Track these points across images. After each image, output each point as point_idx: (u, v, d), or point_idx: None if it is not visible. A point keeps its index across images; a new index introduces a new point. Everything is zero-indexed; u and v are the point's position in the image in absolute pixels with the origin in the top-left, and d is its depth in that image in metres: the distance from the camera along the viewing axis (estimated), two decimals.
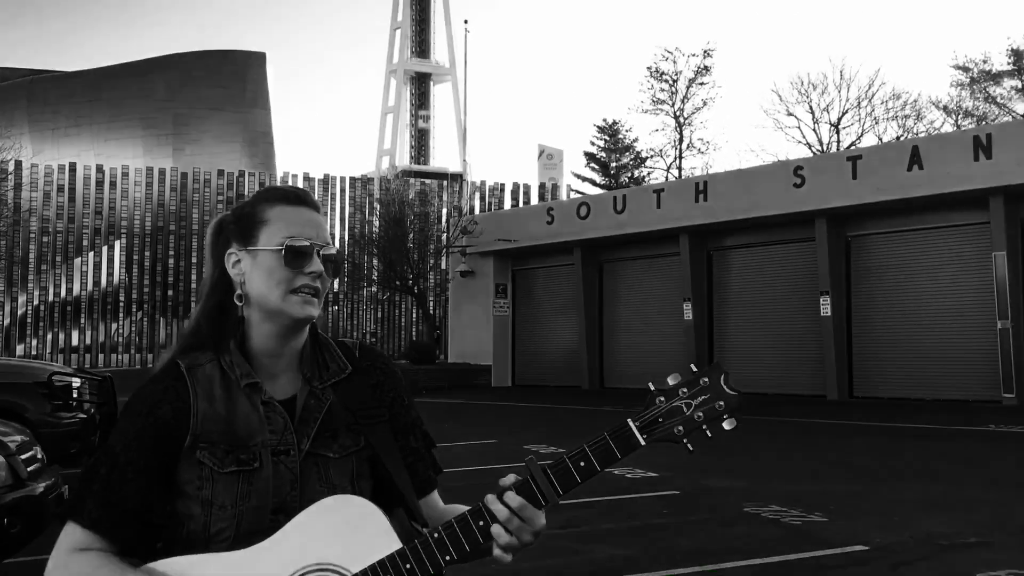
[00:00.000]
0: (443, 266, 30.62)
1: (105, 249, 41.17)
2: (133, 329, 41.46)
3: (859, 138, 40.83)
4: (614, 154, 48.51)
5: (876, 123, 41.63)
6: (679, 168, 44.46)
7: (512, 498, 1.53)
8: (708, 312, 21.42)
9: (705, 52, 43.59)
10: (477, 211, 37.79)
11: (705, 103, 44.01)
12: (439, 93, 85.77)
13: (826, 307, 18.81)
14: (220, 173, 42.50)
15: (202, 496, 1.61)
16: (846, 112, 41.15)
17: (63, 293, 40.58)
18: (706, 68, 43.44)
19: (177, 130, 60.67)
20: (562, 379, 23.99)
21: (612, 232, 22.32)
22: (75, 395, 9.69)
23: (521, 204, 44.41)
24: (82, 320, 40.45)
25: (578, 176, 49.37)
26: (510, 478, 1.57)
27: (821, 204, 18.49)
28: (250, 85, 63.81)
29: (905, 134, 40.41)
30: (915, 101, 41.65)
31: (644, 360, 22.57)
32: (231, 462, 1.61)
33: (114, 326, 41.44)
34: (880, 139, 40.49)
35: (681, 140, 44.15)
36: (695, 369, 1.55)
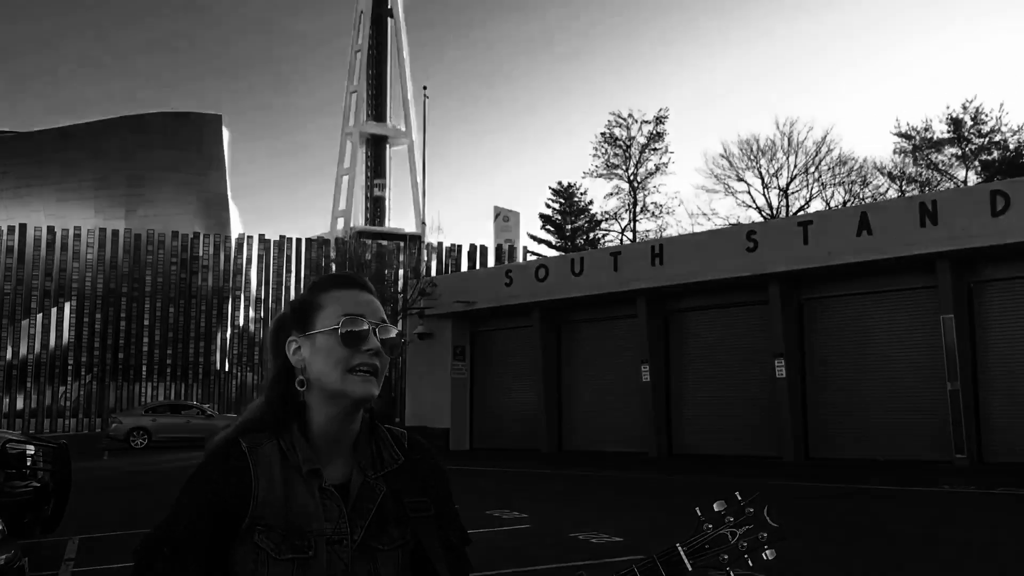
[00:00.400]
0: (400, 328, 30.54)
1: (55, 311, 40.51)
2: (82, 393, 40.60)
3: (807, 203, 41.86)
4: (569, 217, 49.08)
5: (824, 188, 42.75)
6: (633, 231, 45.11)
7: None
8: (665, 374, 21.60)
9: (657, 119, 44.61)
10: (434, 272, 37.91)
11: (658, 168, 44.89)
12: (395, 156, 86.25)
13: (781, 369, 19.07)
14: (175, 235, 42.20)
15: None
16: (794, 177, 42.23)
17: (8, 356, 39.71)
18: (659, 134, 44.41)
19: (130, 191, 60.25)
20: (521, 442, 23.92)
21: (570, 294, 22.52)
22: (29, 463, 9.49)
23: (478, 266, 44.60)
24: (28, 384, 39.55)
25: (534, 238, 49.86)
26: None
27: (774, 268, 18.87)
28: (206, 147, 63.76)
29: (852, 199, 41.50)
30: (860, 167, 42.78)
31: (602, 423, 22.63)
32: (287, 549, 1.62)
33: (62, 389, 40.57)
34: (828, 204, 41.55)
35: (635, 204, 44.88)
36: (740, 498, 1.65)
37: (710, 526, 1.64)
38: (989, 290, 17.28)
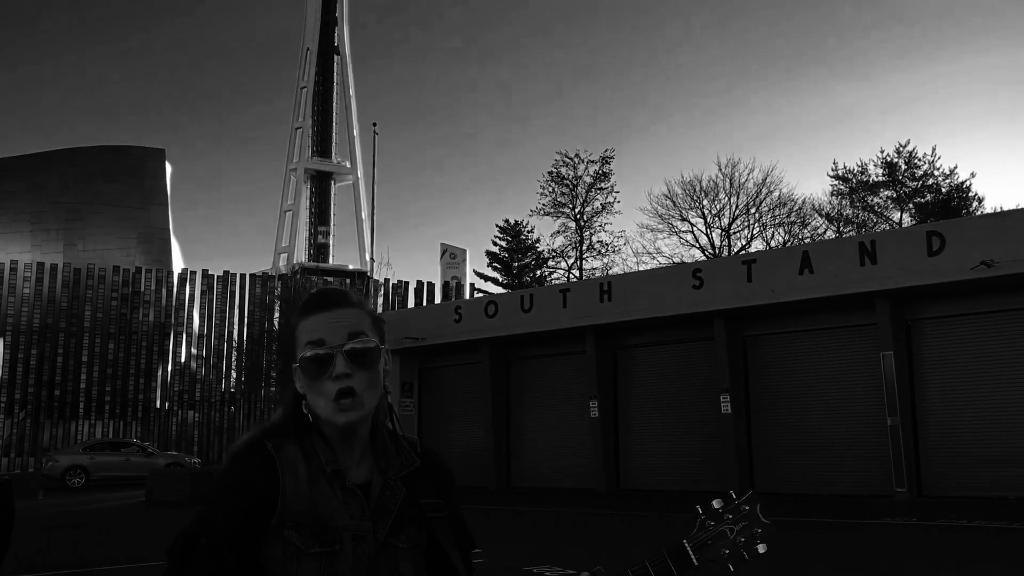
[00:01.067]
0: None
1: None
2: (15, 431, 39.45)
3: (749, 243, 42.71)
4: (516, 254, 49.36)
5: (764, 228, 43.67)
6: (580, 268, 45.52)
7: None
8: (614, 409, 21.78)
9: (604, 159, 45.26)
10: (381, 309, 37.77)
11: (604, 207, 45.46)
12: (341, 192, 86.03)
13: (726, 404, 19.37)
14: (116, 269, 41.48)
15: (285, 574, 1.67)
16: (736, 218, 43.09)
17: None
18: (604, 174, 45.05)
19: (68, 225, 59.14)
20: (469, 478, 23.83)
21: (519, 330, 22.65)
22: None
23: (425, 303, 44.55)
24: None
25: (481, 275, 50.01)
26: None
27: (718, 305, 19.24)
28: (147, 181, 62.94)
29: (792, 239, 42.45)
30: (800, 208, 43.84)
31: (551, 459, 22.70)
32: (315, 543, 1.68)
33: None
34: (768, 244, 42.44)
35: (581, 242, 45.34)
36: (735, 497, 1.79)
37: (712, 523, 1.76)
38: (926, 327, 17.81)
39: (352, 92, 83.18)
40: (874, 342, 17.81)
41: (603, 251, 45.33)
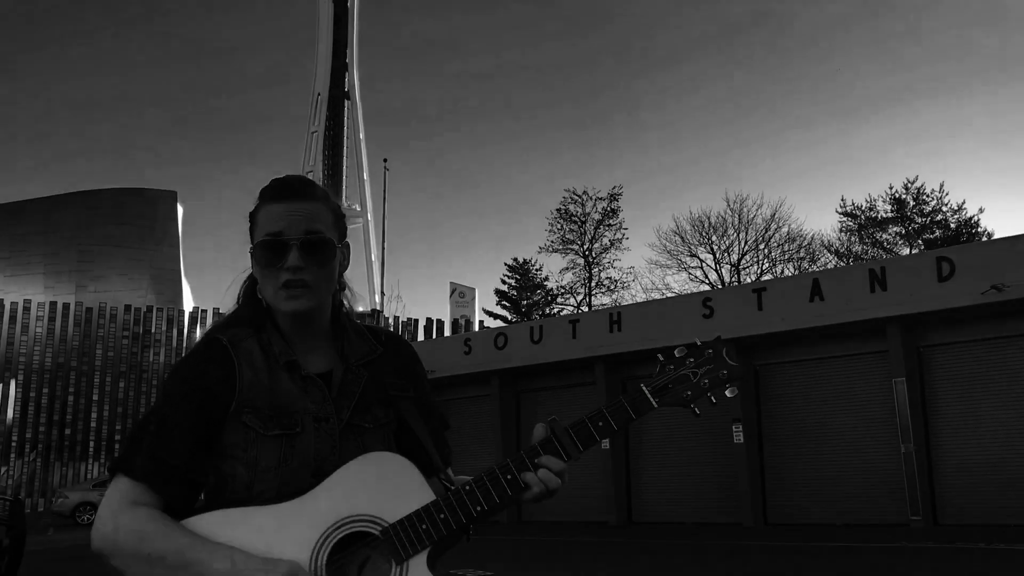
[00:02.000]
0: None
1: (0, 386, 39.56)
2: (25, 471, 39.42)
3: (758, 278, 42.71)
4: (525, 292, 49.45)
5: (774, 264, 43.71)
6: (589, 305, 45.56)
7: (548, 462, 1.73)
8: (625, 441, 21.66)
9: (611, 196, 45.48)
10: None
11: (612, 243, 45.62)
12: (350, 235, 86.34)
13: (738, 435, 19.25)
14: (127, 308, 41.70)
15: (247, 458, 1.68)
16: (745, 253, 43.16)
17: None
18: (613, 211, 45.26)
19: (81, 267, 59.55)
20: None
21: (529, 362, 22.63)
22: None
23: (435, 339, 44.49)
24: None
25: (490, 313, 50.07)
26: (538, 433, 1.74)
27: (728, 334, 19.14)
28: (159, 223, 63.42)
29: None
30: (809, 244, 43.90)
31: (562, 491, 22.48)
32: (275, 426, 1.69)
33: (3, 469, 39.36)
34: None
35: (590, 278, 45.44)
36: (699, 342, 1.76)
37: (672, 367, 1.74)
38: (938, 354, 17.73)
39: (362, 136, 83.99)
40: (886, 369, 17.73)
41: (612, 287, 45.43)
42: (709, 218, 43.38)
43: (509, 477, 1.72)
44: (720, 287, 41.70)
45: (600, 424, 1.72)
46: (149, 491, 1.67)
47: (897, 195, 45.43)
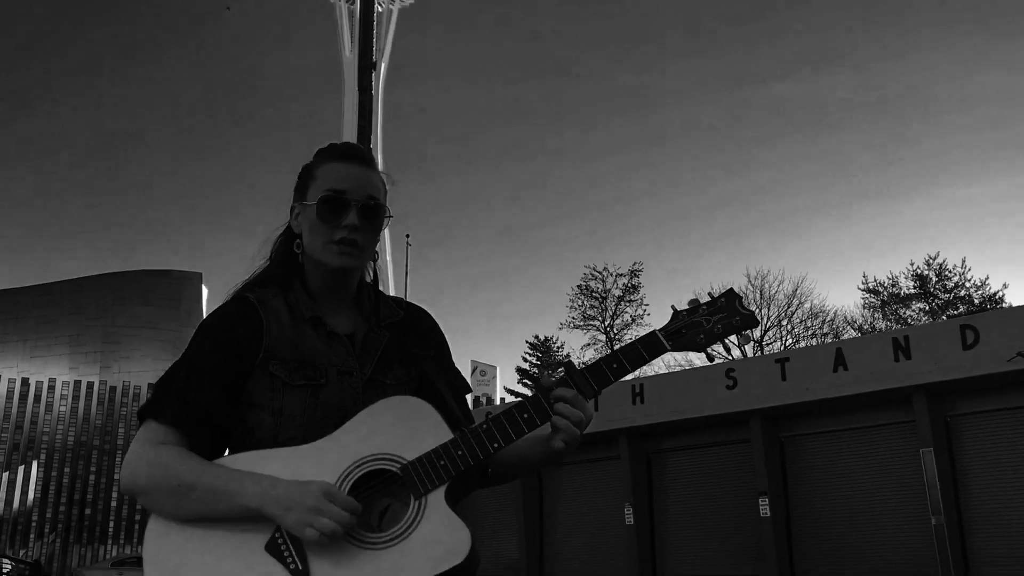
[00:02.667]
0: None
1: (21, 468, 39.57)
2: (44, 552, 39.17)
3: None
4: (546, 370, 49.32)
5: (797, 341, 43.46)
6: None
7: (566, 392, 1.76)
8: (649, 515, 21.33)
9: (632, 272, 45.65)
10: None
11: (634, 319, 45.61)
12: None
13: (765, 508, 18.95)
14: (151, 387, 41.96)
15: (273, 407, 1.73)
16: (768, 330, 42.98)
17: None
18: (634, 287, 45.38)
19: (106, 347, 60.02)
20: None
21: None
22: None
23: None
24: None
25: (511, 392, 49.86)
26: (553, 377, 1.78)
27: (753, 404, 19.06)
28: (184, 304, 63.98)
29: None
30: (832, 319, 43.71)
31: (585, 567, 22.15)
32: (300, 376, 1.75)
33: (23, 552, 39.14)
34: None
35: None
36: (712, 295, 1.83)
37: (685, 315, 1.79)
38: (966, 423, 17.48)
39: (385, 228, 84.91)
40: (913, 439, 17.49)
41: None
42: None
43: (526, 415, 1.76)
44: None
45: (614, 366, 1.77)
46: (177, 433, 1.71)
47: (919, 271, 45.32)
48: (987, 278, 45.84)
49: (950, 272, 45.02)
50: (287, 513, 1.60)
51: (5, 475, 39.15)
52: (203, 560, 1.64)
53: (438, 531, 1.65)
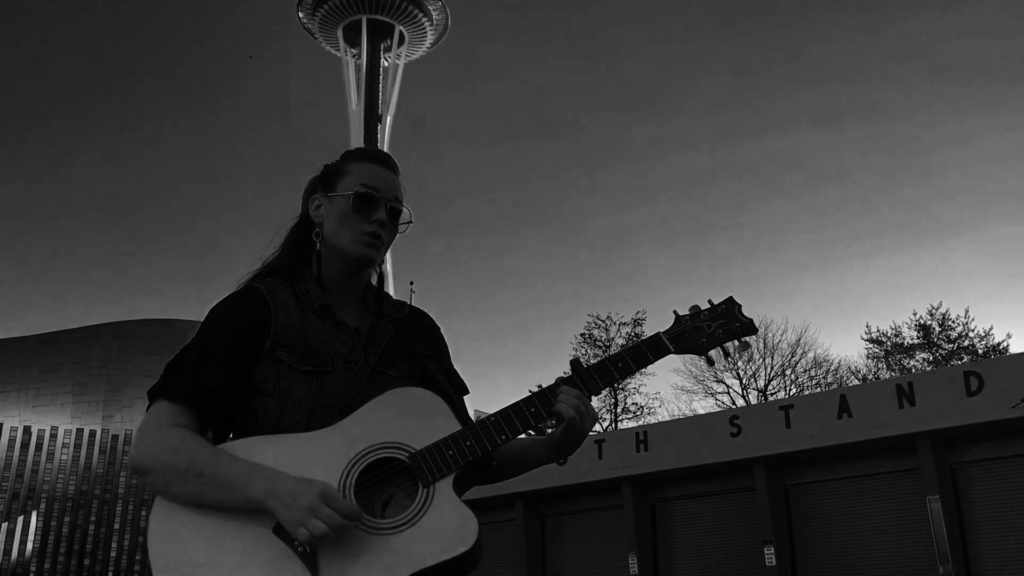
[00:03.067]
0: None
1: (21, 518, 39.29)
2: None
3: None
4: (549, 420, 49.05)
5: (801, 391, 43.25)
6: (615, 432, 45.08)
7: (572, 394, 1.81)
8: (654, 565, 21.10)
9: (635, 320, 45.61)
10: None
11: None
12: None
13: (770, 557, 18.74)
14: None
15: (278, 391, 1.78)
16: (772, 379, 42.84)
17: None
18: (637, 336, 45.26)
19: (108, 397, 59.90)
20: None
21: (554, 484, 22.30)
22: None
23: None
24: None
25: None
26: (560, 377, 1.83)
27: (757, 452, 18.96)
28: None
29: None
30: (836, 369, 43.57)
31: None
32: (307, 363, 1.80)
33: None
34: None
35: (616, 404, 45.09)
36: (713, 302, 1.90)
37: (687, 320, 1.86)
38: (972, 470, 17.37)
39: (390, 268, 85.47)
40: (919, 487, 17.35)
41: (638, 413, 45.02)
42: (735, 342, 43.26)
43: (532, 410, 1.81)
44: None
45: (620, 365, 1.82)
46: (187, 413, 1.76)
47: (922, 321, 45.23)
48: (991, 328, 45.78)
49: (953, 322, 44.94)
50: (285, 510, 1.64)
51: (4, 525, 38.85)
52: (210, 542, 1.67)
53: (447, 518, 1.70)
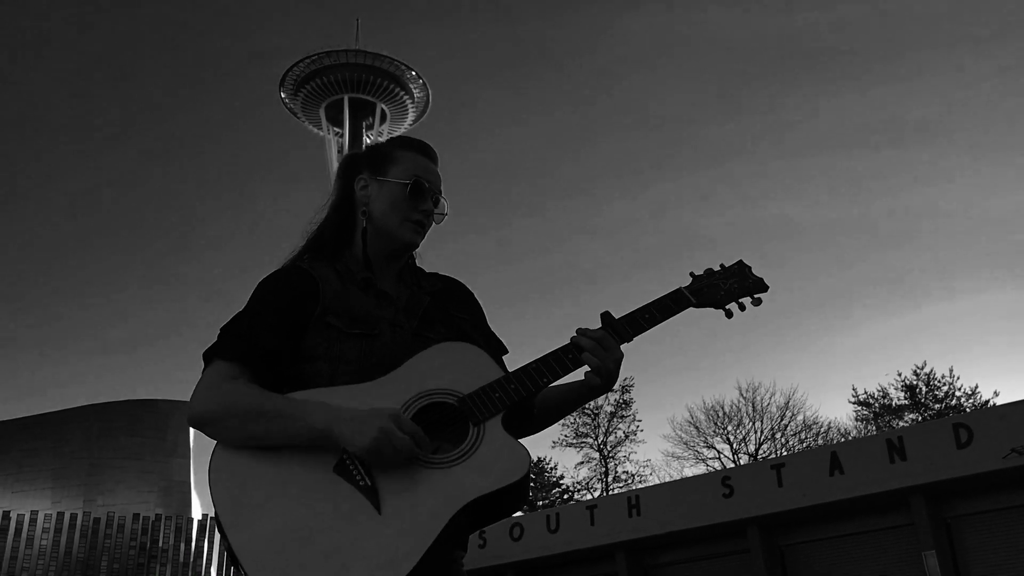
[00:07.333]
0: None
1: None
2: None
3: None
4: (541, 492, 48.52)
5: (792, 453, 43.09)
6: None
7: (595, 332, 1.90)
8: None
9: (624, 387, 45.50)
10: None
11: (627, 436, 45.20)
12: None
13: None
14: (135, 517, 40.86)
15: (331, 354, 1.86)
16: (763, 443, 42.68)
17: None
18: (626, 403, 45.16)
19: (89, 480, 58.76)
20: None
21: (546, 552, 21.99)
22: None
23: None
24: None
25: None
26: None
27: (750, 512, 18.81)
28: (171, 434, 62.93)
29: None
30: (826, 431, 43.50)
31: None
32: (356, 326, 1.89)
33: None
34: None
35: (606, 472, 44.72)
36: (724, 264, 2.03)
37: (703, 278, 2.01)
38: (966, 524, 17.28)
39: None
40: (914, 543, 17.23)
41: (629, 481, 44.62)
42: (723, 407, 43.23)
43: (571, 356, 1.90)
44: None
45: (647, 316, 1.94)
46: (244, 369, 1.82)
47: (908, 382, 45.37)
48: (976, 386, 45.87)
49: (939, 381, 45.09)
50: (357, 436, 1.71)
51: None
52: (273, 482, 1.74)
53: (499, 450, 1.78)
